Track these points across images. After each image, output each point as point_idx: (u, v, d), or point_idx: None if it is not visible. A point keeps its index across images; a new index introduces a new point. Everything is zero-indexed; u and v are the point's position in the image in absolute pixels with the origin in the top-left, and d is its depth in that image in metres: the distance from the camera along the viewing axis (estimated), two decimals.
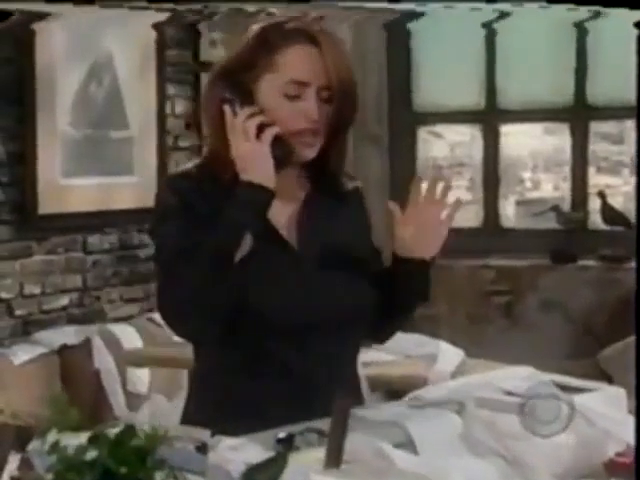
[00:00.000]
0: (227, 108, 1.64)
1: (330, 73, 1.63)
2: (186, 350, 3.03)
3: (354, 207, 1.78)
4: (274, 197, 1.62)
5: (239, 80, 1.65)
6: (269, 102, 1.65)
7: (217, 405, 1.68)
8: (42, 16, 3.68)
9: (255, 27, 1.67)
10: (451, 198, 1.71)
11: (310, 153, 1.67)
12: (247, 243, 1.60)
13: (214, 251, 1.57)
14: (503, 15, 4.21)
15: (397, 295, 1.74)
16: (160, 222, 1.66)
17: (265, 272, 1.64)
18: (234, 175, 1.63)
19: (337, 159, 1.72)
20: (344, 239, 1.73)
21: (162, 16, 4.10)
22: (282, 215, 1.69)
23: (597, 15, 4.06)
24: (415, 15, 4.36)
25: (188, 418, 1.72)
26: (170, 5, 3.99)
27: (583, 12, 4.11)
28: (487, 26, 4.46)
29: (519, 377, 1.64)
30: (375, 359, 2.80)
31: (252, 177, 1.60)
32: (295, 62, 1.64)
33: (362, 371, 1.84)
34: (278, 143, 1.63)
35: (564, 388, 1.51)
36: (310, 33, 1.65)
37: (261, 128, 1.62)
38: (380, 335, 1.84)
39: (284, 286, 1.65)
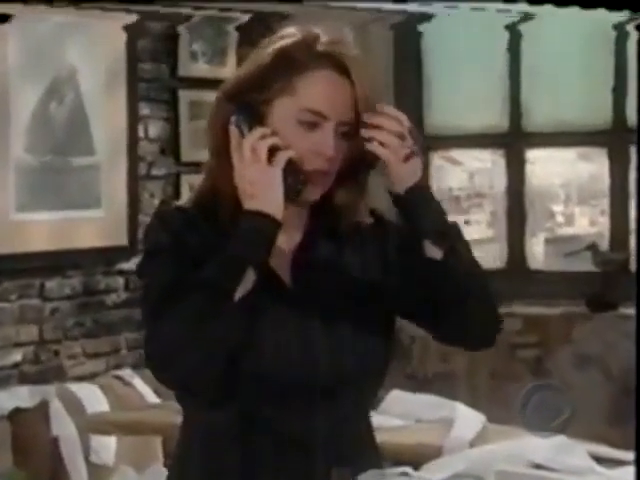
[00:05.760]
0: (233, 129, 1.67)
1: (358, 109, 1.65)
2: (160, 414, 3.01)
3: (369, 243, 1.78)
4: (280, 229, 1.63)
5: (250, 101, 1.68)
6: (281, 128, 1.67)
7: (203, 475, 1.70)
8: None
9: (277, 44, 1.69)
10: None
11: (317, 193, 1.69)
12: (250, 279, 1.61)
13: (212, 287, 1.59)
14: (527, 18, 4.24)
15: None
16: (149, 261, 1.69)
17: (260, 321, 1.66)
18: (234, 211, 1.65)
19: (350, 199, 1.73)
20: (355, 288, 1.74)
21: (132, 19, 4.13)
22: (283, 257, 1.71)
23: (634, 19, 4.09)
24: (425, 19, 4.39)
25: None
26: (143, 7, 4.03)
27: (620, 17, 4.15)
28: (511, 38, 4.50)
29: (549, 447, 1.64)
30: (382, 424, 2.79)
31: (259, 205, 1.62)
32: (316, 89, 1.66)
33: None
34: (290, 170, 1.65)
35: (601, 460, 1.51)
36: (340, 59, 1.66)
37: (272, 152, 1.65)
38: (441, 326, 1.75)
39: (280, 340, 1.67)
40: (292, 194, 1.66)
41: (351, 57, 1.67)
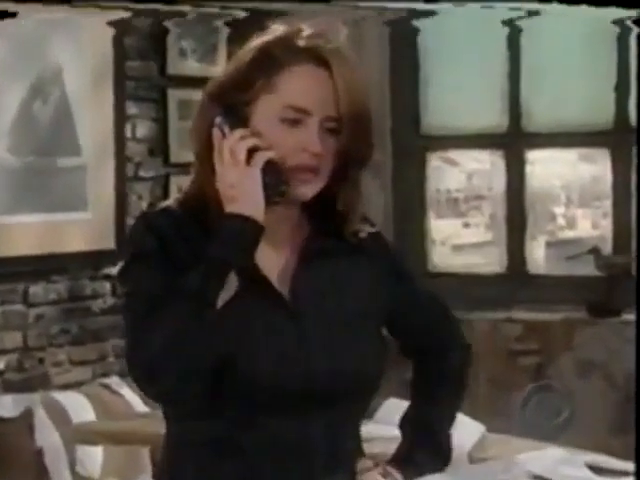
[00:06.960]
0: (216, 131, 1.68)
1: (340, 102, 1.66)
2: (148, 423, 3.01)
3: (368, 258, 1.80)
4: (263, 232, 1.64)
5: (233, 102, 1.69)
6: (264, 127, 1.68)
7: None
8: None
9: (257, 42, 1.70)
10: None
11: (307, 192, 1.70)
12: (232, 284, 1.62)
13: (194, 294, 1.60)
14: (531, 14, 4.25)
15: None
16: (133, 265, 1.70)
17: (254, 328, 1.66)
18: (220, 213, 1.66)
19: (348, 202, 1.75)
20: (351, 295, 1.76)
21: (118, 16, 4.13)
22: (276, 264, 1.72)
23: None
24: (423, 15, 4.40)
25: None
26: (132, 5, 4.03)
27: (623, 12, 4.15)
28: (510, 34, 4.50)
29: (551, 458, 1.65)
30: (377, 434, 2.78)
31: (239, 208, 1.63)
32: (297, 85, 1.67)
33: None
34: (271, 171, 1.66)
35: (603, 471, 1.52)
36: (320, 53, 1.68)
37: (252, 153, 1.66)
38: None
39: (276, 346, 1.68)
40: (274, 195, 1.67)
41: (332, 50, 1.68)
